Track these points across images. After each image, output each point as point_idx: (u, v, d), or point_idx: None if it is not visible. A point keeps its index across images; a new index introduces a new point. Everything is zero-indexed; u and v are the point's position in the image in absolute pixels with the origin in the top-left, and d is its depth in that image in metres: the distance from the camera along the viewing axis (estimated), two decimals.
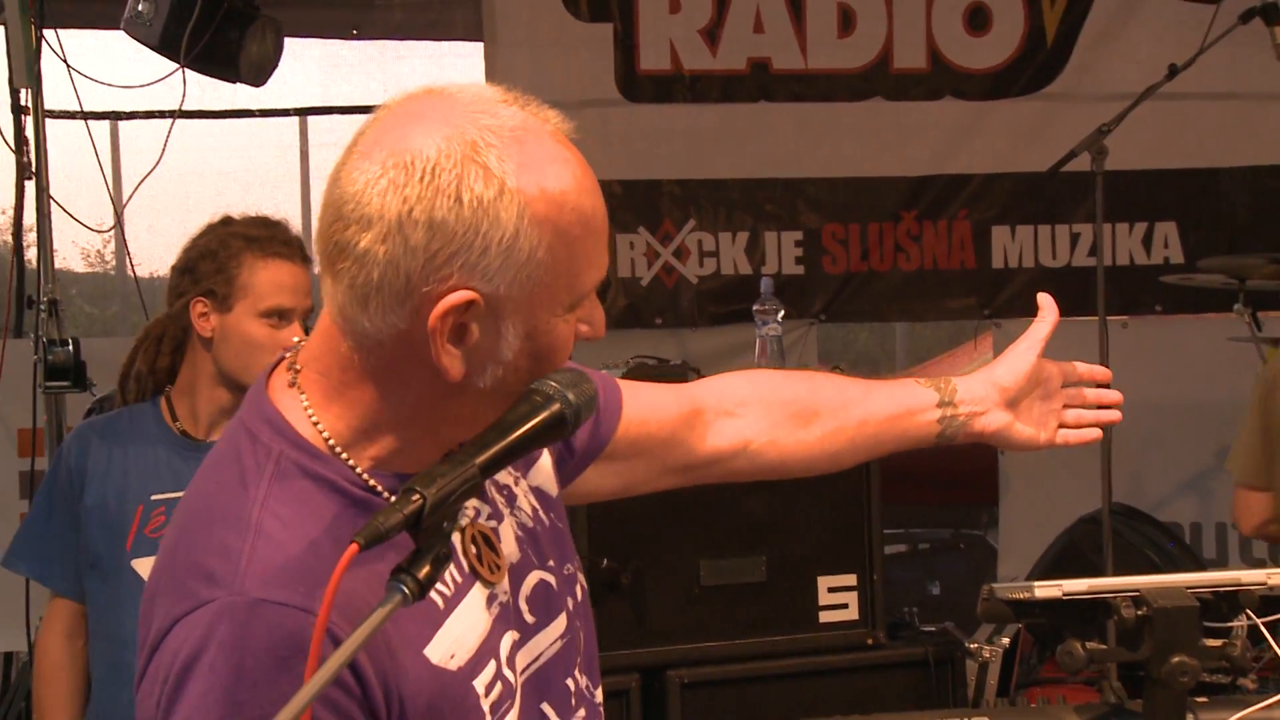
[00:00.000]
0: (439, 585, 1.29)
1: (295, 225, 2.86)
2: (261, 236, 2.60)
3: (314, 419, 1.29)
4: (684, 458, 1.70)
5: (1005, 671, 4.34)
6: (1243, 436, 3.93)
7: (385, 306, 1.22)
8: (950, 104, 5.97)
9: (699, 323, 5.79)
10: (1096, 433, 1.83)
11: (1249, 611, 2.10)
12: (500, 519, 1.43)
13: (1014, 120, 5.96)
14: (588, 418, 1.33)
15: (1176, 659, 1.93)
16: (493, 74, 5.62)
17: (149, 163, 4.70)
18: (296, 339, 1.39)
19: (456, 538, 1.33)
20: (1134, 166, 5.40)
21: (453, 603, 1.33)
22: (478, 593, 1.35)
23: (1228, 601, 2.10)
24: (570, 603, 1.49)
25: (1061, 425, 1.80)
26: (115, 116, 5.62)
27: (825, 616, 3.85)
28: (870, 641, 3.88)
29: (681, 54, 5.74)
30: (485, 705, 1.33)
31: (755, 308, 3.97)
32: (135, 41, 4.46)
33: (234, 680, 1.19)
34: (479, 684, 1.34)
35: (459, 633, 1.33)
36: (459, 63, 6.08)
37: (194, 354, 2.64)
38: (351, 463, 1.28)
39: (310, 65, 6.08)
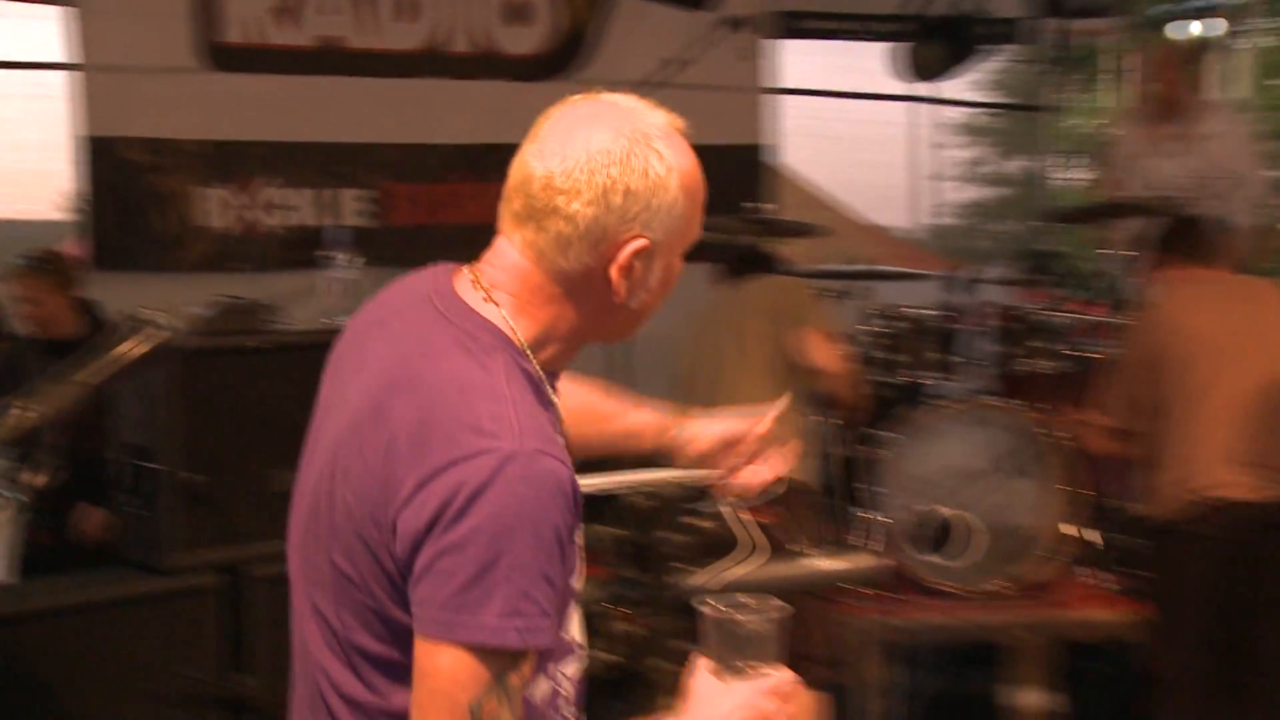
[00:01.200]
0: None
1: None
2: None
3: (511, 326, 1.58)
4: None
5: None
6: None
7: (583, 250, 1.55)
8: (493, 85, 6.44)
9: (277, 267, 5.88)
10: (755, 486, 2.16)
11: (719, 501, 2.42)
12: None
13: (549, 98, 6.44)
14: None
15: (662, 533, 2.36)
16: (82, 40, 5.68)
17: None
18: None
19: None
20: None
21: None
22: None
23: (702, 491, 2.40)
24: None
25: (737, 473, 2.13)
26: None
27: None
28: None
29: (263, 30, 5.98)
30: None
31: (325, 254, 4.22)
32: None
33: (523, 505, 1.45)
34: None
35: None
36: (40, 25, 5.95)
37: None
38: (534, 361, 1.59)
39: None
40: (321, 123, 6.16)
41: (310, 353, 3.76)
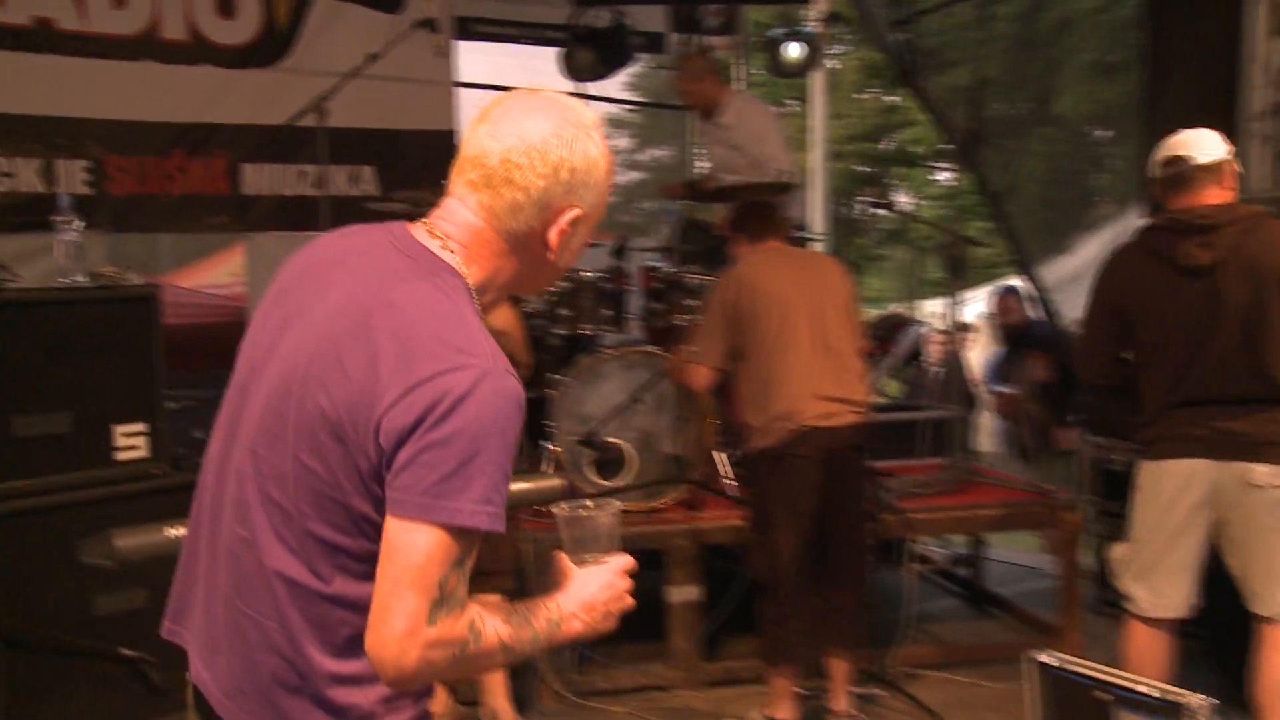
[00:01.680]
0: None
1: None
2: None
3: (464, 271, 1.72)
4: None
5: None
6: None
7: (531, 215, 1.72)
8: (208, 70, 6.51)
9: (2, 229, 5.69)
10: None
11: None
12: None
13: (259, 85, 6.56)
14: None
15: None
16: None
17: None
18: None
19: None
20: (345, 125, 5.97)
21: None
22: None
23: None
24: None
25: None
26: None
27: (121, 455, 4.14)
28: (159, 473, 4.22)
29: None
30: None
31: (55, 219, 4.19)
32: None
33: (496, 413, 1.58)
34: None
35: None
36: None
37: None
38: (478, 303, 1.72)
39: None
40: (41, 98, 6.05)
41: (44, 309, 3.93)
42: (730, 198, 5.67)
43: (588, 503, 1.89)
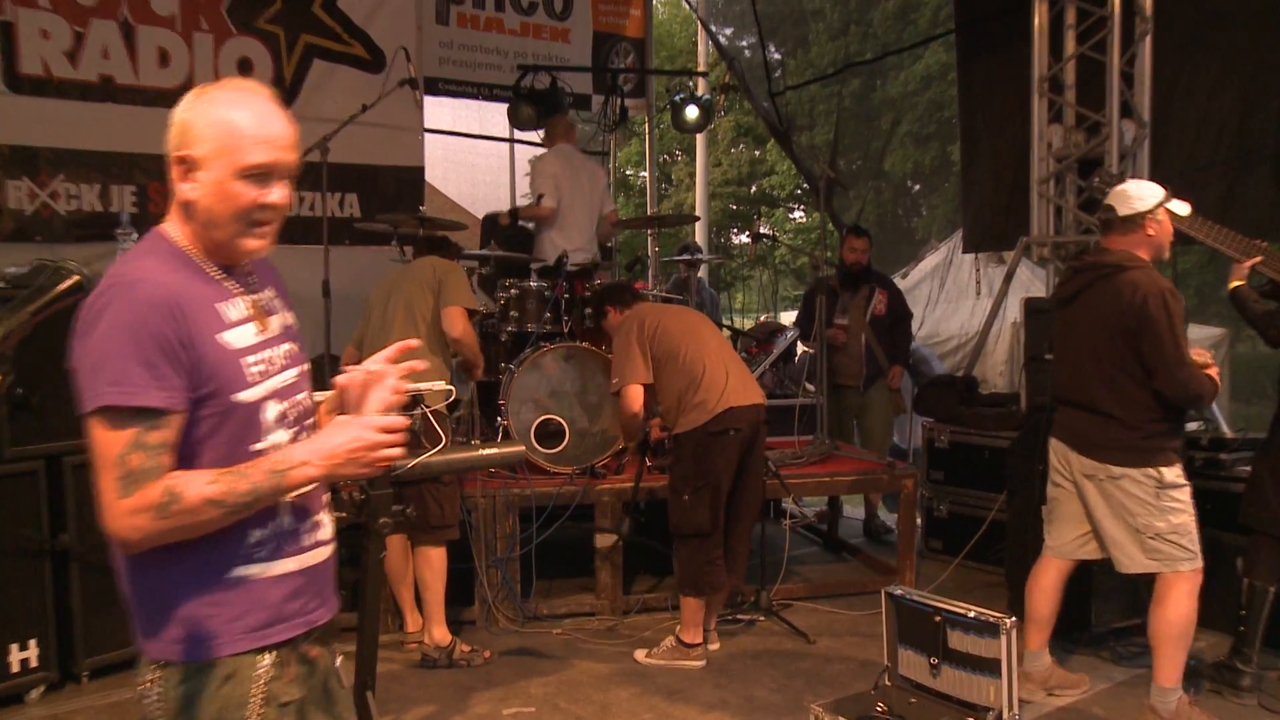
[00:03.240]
0: (232, 307, 1.68)
1: None
2: None
3: (174, 234, 1.68)
4: None
5: None
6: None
7: (173, 169, 1.65)
8: None
9: (67, 240, 5.81)
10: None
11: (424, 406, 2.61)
12: (277, 311, 1.80)
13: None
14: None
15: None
16: None
17: None
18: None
19: (250, 301, 1.71)
20: (335, 160, 5.49)
21: (237, 323, 1.68)
22: (253, 327, 1.70)
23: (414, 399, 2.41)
24: (302, 368, 1.80)
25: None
26: None
27: None
28: None
29: (51, 65, 5.87)
30: (248, 373, 1.66)
31: (118, 231, 4.34)
32: None
33: (118, 315, 1.54)
34: (246, 361, 1.67)
35: (236, 335, 1.67)
36: None
37: None
38: (193, 252, 1.67)
39: None
40: (101, 137, 6.03)
41: None
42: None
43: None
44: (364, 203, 6.82)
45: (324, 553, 1.80)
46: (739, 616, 4.87)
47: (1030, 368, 4.94)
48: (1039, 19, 5.99)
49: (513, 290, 5.47)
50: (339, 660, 1.88)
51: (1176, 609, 3.53)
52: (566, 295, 5.51)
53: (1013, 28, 6.33)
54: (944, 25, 12.13)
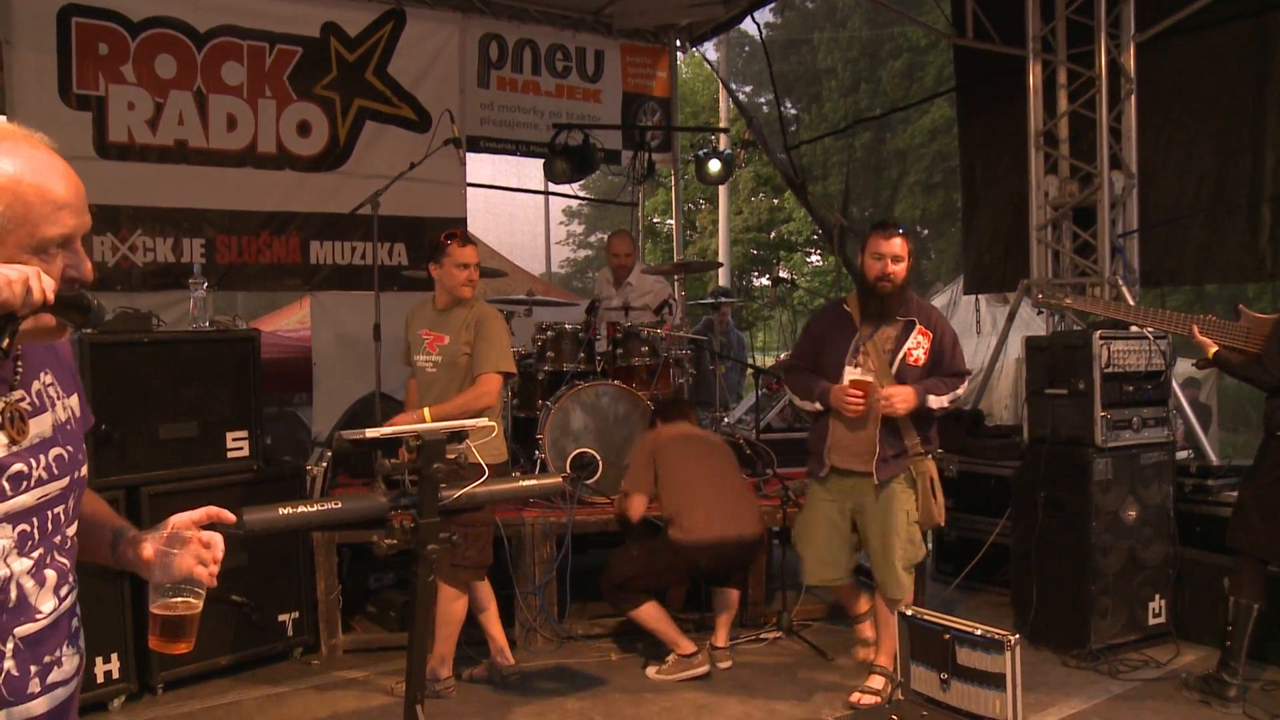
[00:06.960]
0: None
1: None
2: None
3: None
4: None
5: (326, 480, 4.88)
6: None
7: None
8: (289, 173, 6.57)
9: (144, 289, 5.97)
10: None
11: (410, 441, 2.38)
12: (44, 411, 1.39)
13: (324, 184, 6.61)
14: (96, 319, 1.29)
15: (437, 466, 2.37)
16: None
17: None
18: None
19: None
20: (385, 213, 5.53)
21: None
22: (1, 437, 1.31)
23: (457, 435, 2.42)
24: (75, 474, 1.43)
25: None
26: None
27: (231, 454, 4.32)
28: (256, 468, 4.37)
29: (135, 132, 6.06)
30: None
31: (191, 280, 4.35)
32: None
33: None
34: None
35: None
36: None
37: None
38: None
39: None
40: (174, 194, 6.17)
41: (180, 346, 4.15)
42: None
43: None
44: (411, 252, 6.90)
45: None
46: (762, 635, 4.87)
47: (1031, 401, 4.94)
48: (1033, 79, 6.10)
49: (549, 332, 5.51)
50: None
51: None
52: (598, 337, 5.52)
53: (1008, 87, 6.43)
54: (947, 83, 12.18)
